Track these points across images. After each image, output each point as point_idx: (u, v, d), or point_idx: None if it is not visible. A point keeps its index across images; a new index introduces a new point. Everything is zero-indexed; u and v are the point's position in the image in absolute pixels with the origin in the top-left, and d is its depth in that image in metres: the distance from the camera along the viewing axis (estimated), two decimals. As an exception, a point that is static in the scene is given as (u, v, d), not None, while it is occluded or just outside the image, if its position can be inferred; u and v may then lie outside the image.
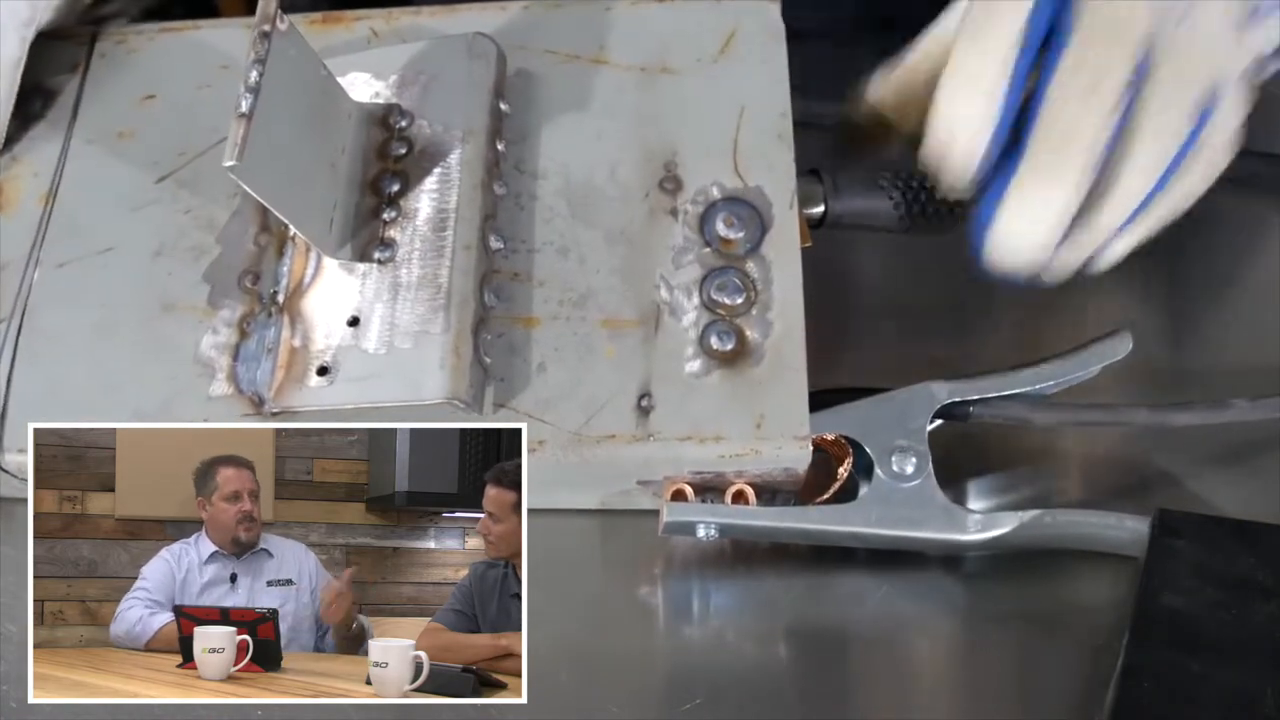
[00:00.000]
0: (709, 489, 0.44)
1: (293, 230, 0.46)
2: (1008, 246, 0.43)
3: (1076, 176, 0.42)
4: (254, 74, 0.41)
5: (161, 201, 0.49)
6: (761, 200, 0.46)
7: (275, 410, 0.43)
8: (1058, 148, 0.41)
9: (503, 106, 0.48)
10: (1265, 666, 0.37)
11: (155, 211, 0.49)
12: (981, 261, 0.44)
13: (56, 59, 0.53)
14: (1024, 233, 0.43)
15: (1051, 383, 0.46)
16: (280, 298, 0.45)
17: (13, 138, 0.51)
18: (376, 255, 0.45)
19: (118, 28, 0.54)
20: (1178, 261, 0.54)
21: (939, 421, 0.46)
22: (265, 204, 0.42)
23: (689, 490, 0.43)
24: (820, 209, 0.47)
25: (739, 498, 0.44)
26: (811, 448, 0.42)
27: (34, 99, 0.52)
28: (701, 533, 0.43)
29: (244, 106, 0.40)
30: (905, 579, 0.45)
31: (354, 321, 0.43)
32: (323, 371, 0.43)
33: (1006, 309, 0.52)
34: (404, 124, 0.47)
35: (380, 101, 0.48)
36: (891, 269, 0.58)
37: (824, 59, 0.52)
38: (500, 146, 0.47)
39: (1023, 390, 0.46)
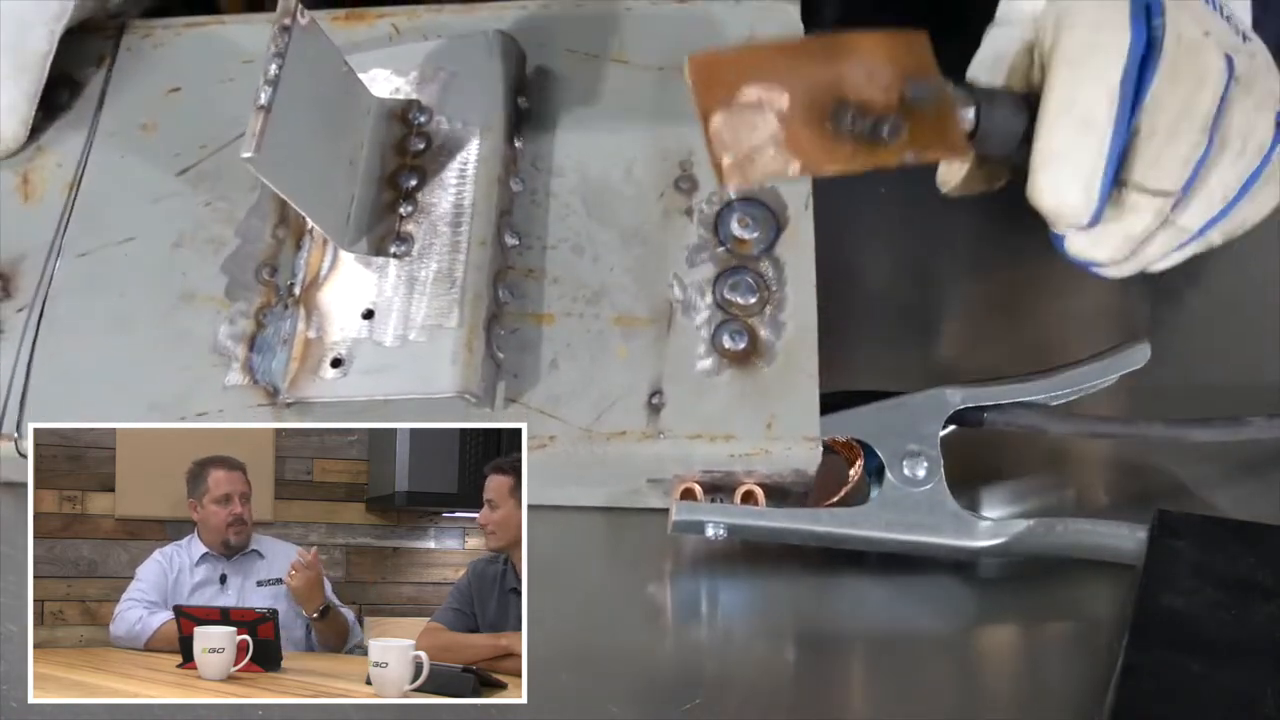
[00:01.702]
0: (719, 489, 0.44)
1: (310, 223, 0.47)
2: (1083, 259, 0.46)
3: (1154, 213, 0.44)
4: (273, 67, 0.41)
5: (182, 194, 0.50)
6: (776, 201, 0.46)
7: (290, 401, 0.43)
8: (1145, 188, 0.44)
9: (521, 103, 0.49)
10: (1265, 666, 0.37)
11: (175, 204, 0.49)
12: (1059, 252, 0.46)
13: (84, 52, 0.54)
14: (1097, 255, 0.45)
15: (1067, 390, 0.46)
16: (297, 290, 0.46)
17: (39, 128, 0.52)
18: (393, 250, 0.45)
19: (144, 23, 0.55)
20: (1193, 275, 0.54)
21: (952, 427, 0.46)
22: (282, 196, 0.42)
23: (698, 489, 0.43)
24: (973, 120, 0.44)
25: (748, 498, 0.44)
26: (822, 449, 0.42)
27: (61, 90, 0.53)
28: (710, 531, 0.43)
29: (263, 99, 0.41)
30: (906, 580, 0.45)
31: (369, 314, 0.44)
32: (336, 364, 0.43)
33: (1019, 315, 0.52)
34: (423, 120, 0.48)
35: (400, 97, 0.49)
36: (904, 273, 0.58)
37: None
38: (518, 143, 0.48)
39: (1038, 398, 0.46)
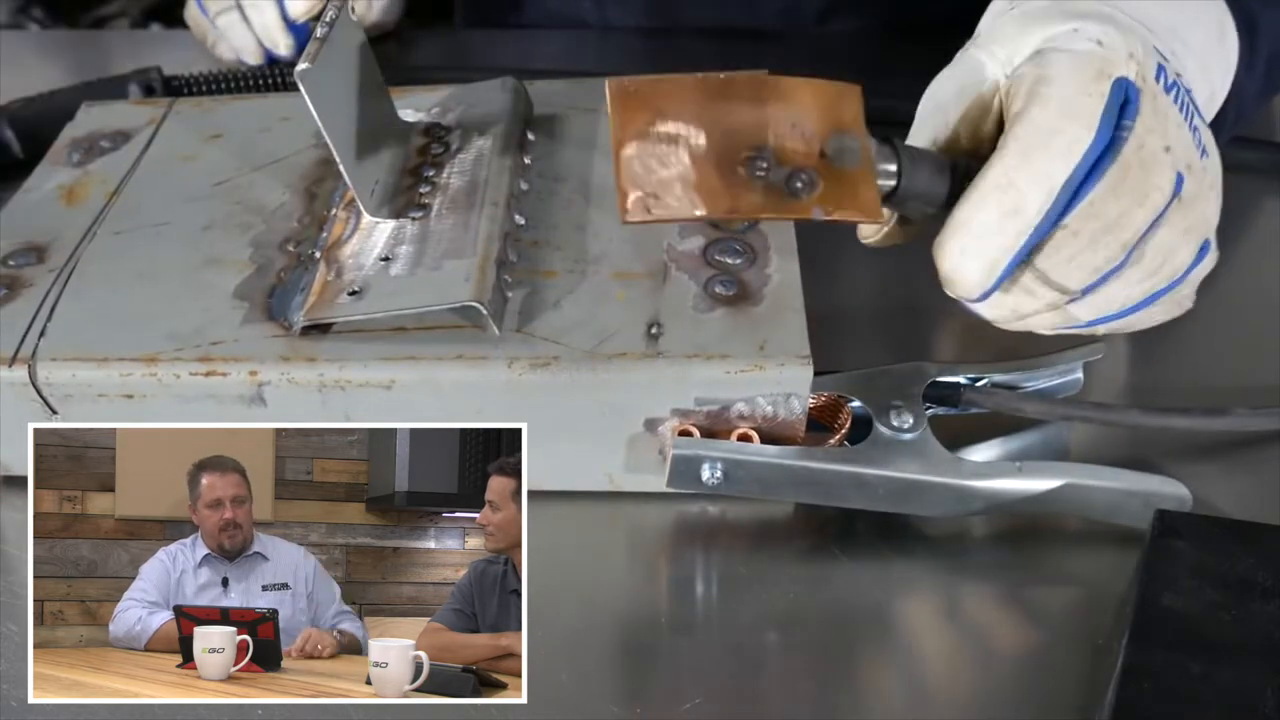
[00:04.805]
0: (713, 435, 0.45)
1: (333, 210, 0.51)
2: (968, 307, 0.46)
3: (1048, 303, 0.44)
4: (326, 19, 0.47)
5: (216, 196, 0.54)
6: None
7: (306, 324, 0.45)
8: (1049, 279, 0.43)
9: (529, 135, 0.55)
10: (1265, 666, 0.37)
11: (210, 202, 0.53)
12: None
13: (138, 114, 0.61)
14: (982, 313, 0.46)
15: (1031, 373, 0.49)
16: (318, 255, 0.49)
17: (86, 162, 0.57)
18: (411, 215, 0.49)
19: (194, 98, 0.65)
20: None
21: (934, 410, 0.47)
22: (320, 124, 0.46)
23: (695, 432, 0.44)
24: (894, 182, 0.44)
25: (743, 440, 0.44)
26: (813, 368, 0.43)
27: (115, 139, 0.58)
28: (706, 474, 0.44)
29: (320, 32, 0.46)
30: (906, 579, 0.45)
31: (386, 259, 0.47)
32: (354, 294, 0.45)
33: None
34: (442, 134, 0.54)
35: (424, 120, 0.55)
36: (888, 280, 0.58)
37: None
38: (527, 160, 0.53)
39: (1009, 377, 0.48)
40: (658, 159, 0.41)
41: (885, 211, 0.45)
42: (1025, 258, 0.43)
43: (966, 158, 0.45)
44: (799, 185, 0.41)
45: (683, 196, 0.41)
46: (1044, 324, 0.46)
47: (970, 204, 0.42)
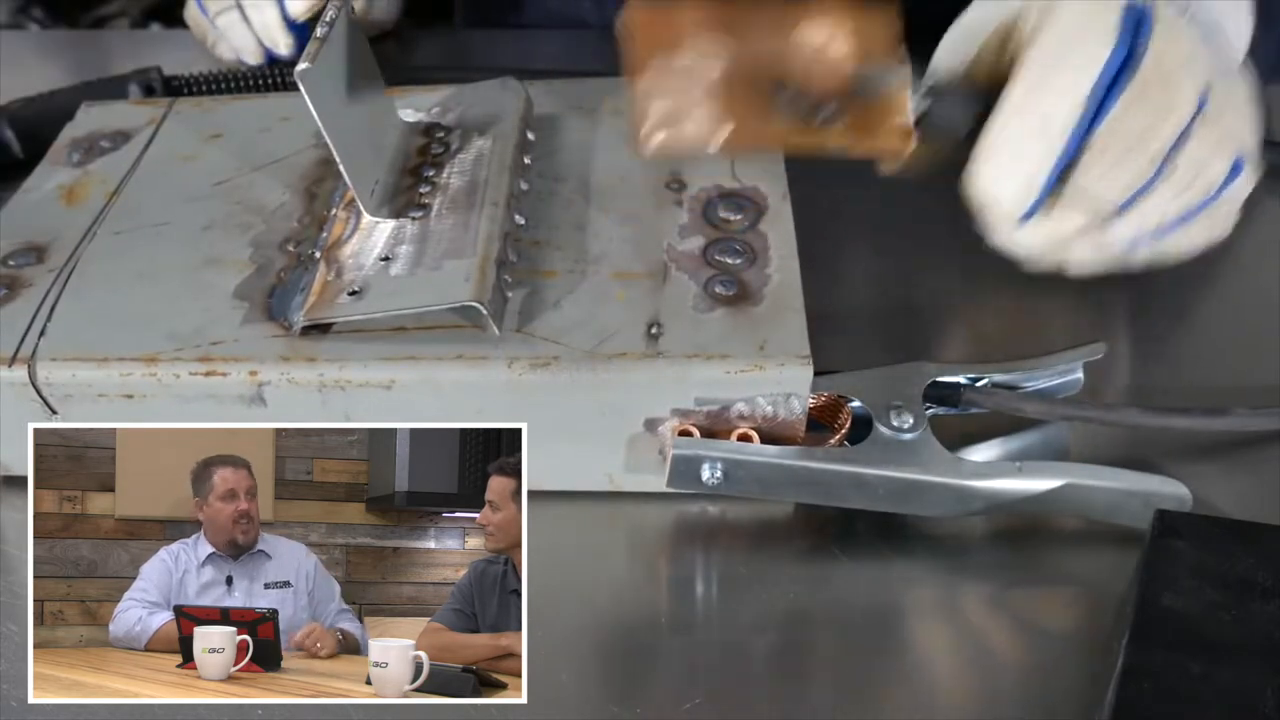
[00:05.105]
0: (713, 435, 0.45)
1: (333, 210, 0.51)
2: (1007, 247, 0.46)
3: (1085, 222, 0.44)
4: (326, 19, 0.48)
5: (216, 196, 0.54)
6: (758, 195, 0.51)
7: (306, 324, 0.45)
8: (1086, 195, 0.44)
9: (529, 135, 0.55)
10: (1265, 666, 0.37)
11: (210, 202, 0.53)
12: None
13: (138, 114, 0.61)
14: (1022, 244, 0.46)
15: (1031, 373, 0.48)
16: (318, 255, 0.49)
17: (86, 162, 0.57)
18: (411, 215, 0.49)
19: (194, 98, 0.65)
20: (1193, 276, 0.54)
21: (934, 410, 0.47)
22: (320, 124, 0.46)
23: (695, 432, 0.44)
24: (918, 108, 0.44)
25: (743, 440, 0.44)
26: (813, 368, 0.43)
27: (115, 139, 0.58)
28: (706, 474, 0.44)
29: (320, 32, 0.47)
30: (905, 579, 0.45)
31: (386, 259, 0.47)
32: (354, 294, 0.45)
33: (1004, 318, 0.52)
34: (442, 134, 0.54)
35: (424, 120, 0.56)
36: (888, 280, 0.58)
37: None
38: (527, 160, 0.53)
39: (1009, 377, 0.48)
40: (676, 89, 0.39)
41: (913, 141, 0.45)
42: (1060, 175, 0.43)
43: (988, 84, 0.45)
44: (821, 118, 0.41)
45: (700, 126, 0.39)
46: (1082, 254, 0.46)
47: (998, 125, 0.43)
